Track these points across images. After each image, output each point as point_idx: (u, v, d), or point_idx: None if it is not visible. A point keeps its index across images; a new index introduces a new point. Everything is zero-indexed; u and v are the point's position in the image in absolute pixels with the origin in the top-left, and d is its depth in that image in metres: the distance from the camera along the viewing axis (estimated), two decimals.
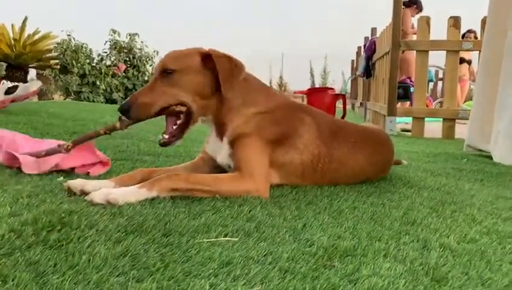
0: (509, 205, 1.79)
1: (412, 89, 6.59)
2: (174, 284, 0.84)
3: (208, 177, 1.59)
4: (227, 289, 0.83)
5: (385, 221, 1.38)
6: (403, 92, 6.85)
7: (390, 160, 2.20)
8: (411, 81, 7.02)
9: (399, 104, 7.14)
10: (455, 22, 5.05)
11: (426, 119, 5.29)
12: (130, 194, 1.41)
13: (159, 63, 1.70)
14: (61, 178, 1.66)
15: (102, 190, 1.40)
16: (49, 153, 1.75)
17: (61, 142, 1.95)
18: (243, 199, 1.50)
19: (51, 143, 2.07)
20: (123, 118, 1.63)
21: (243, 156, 1.63)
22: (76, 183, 1.47)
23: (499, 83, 3.34)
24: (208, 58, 1.64)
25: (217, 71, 1.62)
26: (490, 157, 3.33)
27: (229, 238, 1.11)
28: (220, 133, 1.73)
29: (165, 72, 1.62)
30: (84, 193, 1.43)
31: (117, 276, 0.86)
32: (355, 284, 0.89)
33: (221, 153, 1.73)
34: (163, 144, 1.66)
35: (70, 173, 1.79)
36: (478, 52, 4.89)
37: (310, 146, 1.77)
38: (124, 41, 10.33)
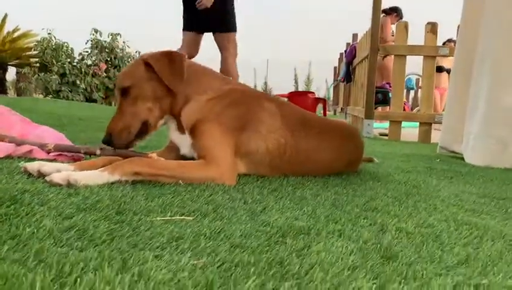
0: (473, 199, 1.80)
1: (390, 94, 6.68)
2: (116, 253, 0.82)
3: (173, 163, 1.58)
4: (171, 260, 0.82)
5: (346, 207, 1.38)
6: (382, 97, 6.94)
7: (359, 155, 2.20)
8: (390, 86, 7.12)
9: (379, 109, 7.23)
10: (432, 27, 5.13)
11: (405, 124, 5.35)
12: (91, 176, 1.38)
13: (115, 86, 1.74)
14: (23, 162, 1.62)
15: (63, 172, 1.38)
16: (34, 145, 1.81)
17: (53, 135, 1.97)
18: (206, 185, 1.49)
19: (45, 130, 2.06)
20: (104, 146, 1.67)
21: (205, 144, 1.62)
22: (34, 165, 1.44)
23: (471, 86, 3.40)
24: (150, 64, 1.66)
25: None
26: (462, 159, 3.38)
27: (184, 217, 1.10)
28: (180, 127, 1.73)
29: (124, 91, 1.66)
30: (42, 175, 1.40)
31: (60, 247, 0.84)
32: (302, 258, 0.89)
33: (184, 145, 1.73)
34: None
35: (33, 158, 1.75)
36: None
37: (275, 133, 1.76)
38: (105, 41, 10.26)
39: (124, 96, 1.67)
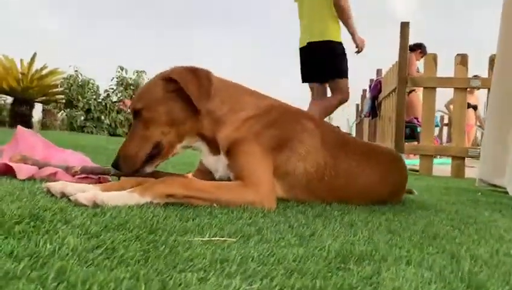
0: None
1: (418, 129, 6.49)
2: (153, 274, 0.68)
3: (208, 184, 1.43)
4: (219, 284, 0.67)
5: (404, 233, 1.22)
6: (409, 132, 6.74)
7: (403, 184, 2.03)
8: (418, 121, 6.93)
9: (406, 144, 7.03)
10: (462, 59, 5.00)
11: (435, 161, 5.13)
12: (119, 197, 1.24)
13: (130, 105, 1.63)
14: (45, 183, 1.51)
15: (89, 191, 1.26)
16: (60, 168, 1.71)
17: (78, 158, 1.88)
18: (244, 208, 1.34)
19: (70, 153, 1.97)
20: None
21: (243, 165, 1.48)
22: (57, 185, 1.32)
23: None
24: (171, 81, 1.52)
25: (184, 91, 1.49)
26: (505, 193, 3.16)
27: (226, 239, 0.95)
28: (215, 149, 1.59)
29: (137, 113, 1.54)
30: (65, 196, 1.28)
31: (86, 266, 0.70)
32: (375, 286, 0.73)
33: (220, 167, 1.59)
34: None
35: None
36: (487, 90, 4.82)
37: (314, 154, 1.61)
38: (130, 78, 10.42)
39: (136, 118, 1.55)
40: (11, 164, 1.66)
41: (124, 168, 1.53)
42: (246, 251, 0.86)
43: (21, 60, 10.84)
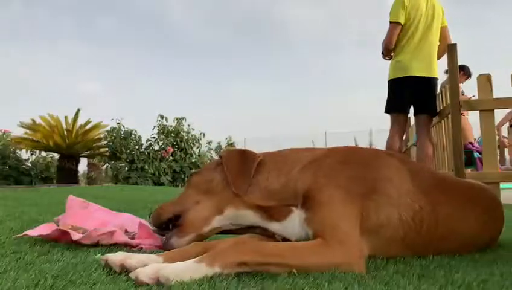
0: None
1: (476, 154, 6.09)
2: None
3: (284, 246, 1.20)
4: None
5: None
6: (466, 158, 6.33)
7: (502, 224, 1.75)
8: (473, 146, 6.54)
9: (467, 172, 6.60)
10: None
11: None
12: (185, 270, 1.06)
13: None
14: (99, 255, 1.35)
15: (150, 266, 1.08)
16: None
17: (136, 221, 1.77)
18: (330, 275, 1.12)
19: (128, 217, 1.86)
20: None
21: (324, 217, 1.23)
22: (116, 258, 1.14)
23: None
24: (221, 158, 1.49)
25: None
26: None
27: None
28: (277, 215, 1.36)
29: (190, 179, 1.55)
30: (126, 270, 1.11)
31: None
32: None
33: (293, 230, 1.34)
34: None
35: (113, 247, 1.49)
36: None
37: (407, 196, 1.34)
38: (171, 126, 10.51)
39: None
40: (69, 231, 1.54)
41: (152, 220, 1.50)
42: None
43: (65, 117, 11.20)
